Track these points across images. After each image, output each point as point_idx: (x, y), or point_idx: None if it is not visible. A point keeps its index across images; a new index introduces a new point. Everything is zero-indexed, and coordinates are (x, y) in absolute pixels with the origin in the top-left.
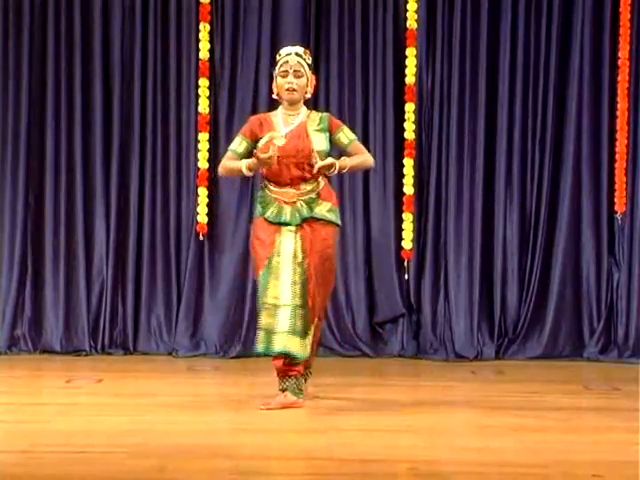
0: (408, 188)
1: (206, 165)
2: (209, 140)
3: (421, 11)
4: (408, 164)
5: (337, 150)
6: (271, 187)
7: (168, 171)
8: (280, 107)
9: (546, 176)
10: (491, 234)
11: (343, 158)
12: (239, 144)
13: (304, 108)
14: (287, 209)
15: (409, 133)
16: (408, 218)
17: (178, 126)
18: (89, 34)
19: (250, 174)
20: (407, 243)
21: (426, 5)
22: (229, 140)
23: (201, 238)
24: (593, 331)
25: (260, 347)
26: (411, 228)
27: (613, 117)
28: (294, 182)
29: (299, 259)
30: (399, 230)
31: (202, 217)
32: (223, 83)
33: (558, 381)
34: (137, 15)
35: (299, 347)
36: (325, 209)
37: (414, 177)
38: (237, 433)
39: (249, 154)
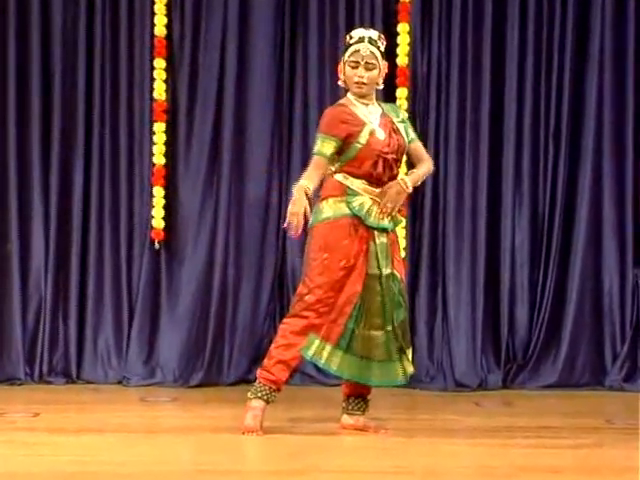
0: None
1: (162, 160)
2: (166, 131)
3: None
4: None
5: None
6: (365, 185)
7: (118, 167)
8: (349, 95)
9: (561, 175)
10: (497, 242)
11: (410, 172)
12: (327, 145)
13: (374, 100)
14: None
15: None
16: (400, 222)
17: (129, 115)
18: (24, 6)
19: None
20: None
21: None
22: (189, 131)
23: (157, 246)
24: (616, 356)
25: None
26: (403, 234)
27: (639, 106)
28: (388, 179)
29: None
30: None
31: (158, 221)
32: (183, 64)
33: (575, 414)
34: None
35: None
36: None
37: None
38: (202, 476)
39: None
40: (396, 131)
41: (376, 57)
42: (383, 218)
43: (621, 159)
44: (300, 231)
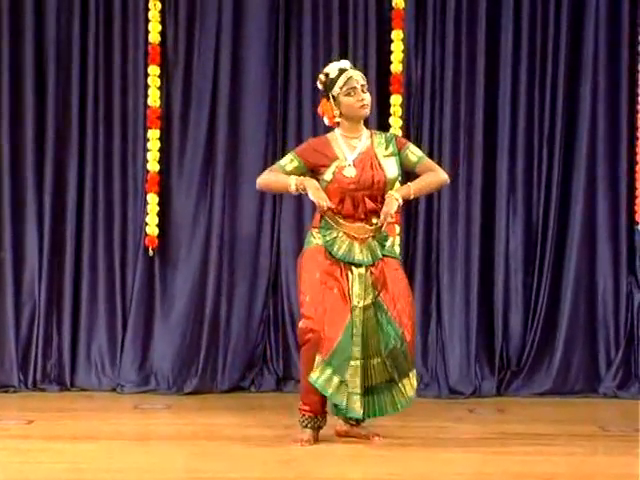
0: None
1: (157, 167)
2: (160, 138)
3: None
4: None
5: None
6: (340, 220)
7: (112, 174)
8: (336, 130)
9: (555, 181)
10: (491, 248)
11: (400, 187)
12: (290, 162)
13: (365, 129)
14: (357, 246)
15: (395, 129)
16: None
17: (124, 121)
18: (18, 13)
19: (296, 193)
20: None
21: None
22: (183, 138)
23: (151, 253)
24: (610, 362)
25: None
26: (398, 242)
27: (633, 112)
28: (367, 216)
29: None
30: None
31: (152, 228)
32: (177, 71)
33: (569, 421)
34: None
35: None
36: (392, 244)
37: (401, 181)
38: None
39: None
40: (376, 167)
41: (365, 80)
42: (362, 250)
43: (615, 164)
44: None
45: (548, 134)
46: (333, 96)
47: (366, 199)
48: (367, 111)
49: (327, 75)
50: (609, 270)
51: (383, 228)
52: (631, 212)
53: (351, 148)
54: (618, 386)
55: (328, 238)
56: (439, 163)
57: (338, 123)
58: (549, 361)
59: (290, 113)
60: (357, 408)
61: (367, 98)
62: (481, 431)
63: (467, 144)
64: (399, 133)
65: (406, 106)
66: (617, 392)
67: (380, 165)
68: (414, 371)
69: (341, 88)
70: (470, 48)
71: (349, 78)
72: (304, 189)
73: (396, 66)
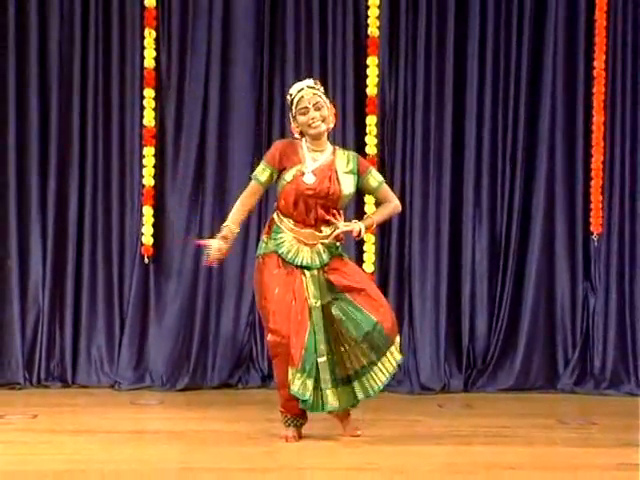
0: (370, 207)
1: (152, 182)
2: (155, 155)
3: (383, 17)
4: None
5: (359, 192)
6: (291, 225)
7: (110, 188)
8: (304, 140)
9: (517, 195)
10: (459, 257)
11: (367, 216)
12: (262, 172)
13: (329, 144)
14: (306, 251)
15: (370, 148)
16: (369, 240)
17: (121, 140)
18: (24, 40)
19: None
20: (368, 266)
21: (389, 11)
22: (176, 155)
23: (146, 261)
24: (568, 361)
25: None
26: (373, 250)
27: (588, 132)
28: (317, 223)
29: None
30: (360, 252)
31: (147, 238)
32: (170, 93)
33: (531, 415)
34: (76, 20)
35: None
36: (338, 248)
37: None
38: (186, 473)
39: (272, 180)
40: (334, 180)
41: (321, 97)
42: (310, 254)
43: (572, 180)
44: (214, 264)
45: (511, 153)
46: (293, 116)
47: (319, 207)
48: (319, 129)
49: (290, 95)
50: (567, 277)
51: (328, 240)
52: (586, 223)
53: (313, 159)
54: (575, 383)
55: (278, 241)
56: (411, 178)
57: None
58: (512, 360)
59: (274, 135)
60: (331, 401)
61: (317, 116)
62: (450, 424)
63: (437, 162)
64: (374, 150)
65: (380, 126)
66: (574, 388)
67: (338, 179)
68: (396, 344)
69: (296, 108)
70: (439, 74)
71: (301, 98)
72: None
73: (372, 89)
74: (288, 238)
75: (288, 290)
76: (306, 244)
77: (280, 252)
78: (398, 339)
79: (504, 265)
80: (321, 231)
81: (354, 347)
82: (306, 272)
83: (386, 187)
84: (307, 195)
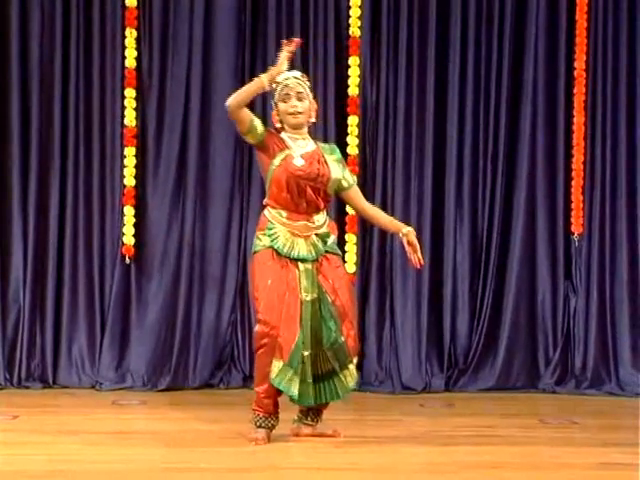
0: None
1: (133, 182)
2: (136, 155)
3: (365, 18)
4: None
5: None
6: (283, 219)
7: (91, 188)
8: (283, 133)
9: (498, 195)
10: (440, 257)
11: (395, 221)
12: (260, 124)
13: (309, 137)
14: (301, 243)
15: (352, 148)
16: (351, 239)
17: (102, 140)
18: (4, 40)
19: (269, 88)
20: (350, 266)
21: (370, 11)
22: (157, 155)
23: (127, 261)
24: (549, 361)
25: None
26: (354, 250)
27: (569, 132)
28: (309, 210)
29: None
30: (342, 252)
31: (128, 238)
32: (151, 93)
33: (512, 414)
34: (57, 20)
35: None
36: (333, 242)
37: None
38: (169, 473)
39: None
40: (322, 163)
41: (305, 89)
42: (305, 246)
43: (552, 181)
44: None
45: (492, 153)
46: (275, 102)
47: (309, 189)
48: (298, 119)
49: (277, 83)
50: (547, 276)
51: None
52: (567, 223)
53: (299, 147)
54: (556, 382)
55: (273, 235)
56: (392, 178)
57: (283, 129)
58: (493, 359)
59: None
60: (309, 395)
61: (300, 105)
62: (431, 424)
63: (418, 162)
64: (355, 151)
65: (362, 126)
66: (555, 388)
67: (326, 163)
68: (354, 362)
69: (279, 94)
70: (421, 74)
71: (286, 85)
72: (272, 76)
73: (353, 89)
74: (282, 232)
75: (282, 282)
76: (300, 236)
77: (276, 247)
78: (356, 360)
79: (485, 265)
80: (313, 222)
81: (325, 350)
82: (300, 265)
83: (358, 190)
84: (297, 176)
